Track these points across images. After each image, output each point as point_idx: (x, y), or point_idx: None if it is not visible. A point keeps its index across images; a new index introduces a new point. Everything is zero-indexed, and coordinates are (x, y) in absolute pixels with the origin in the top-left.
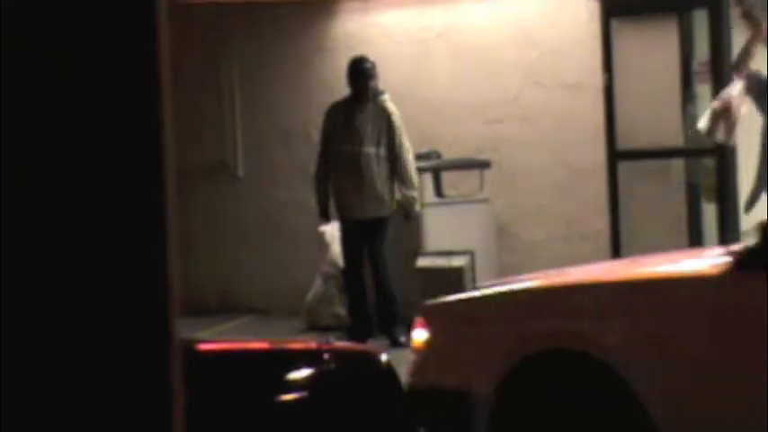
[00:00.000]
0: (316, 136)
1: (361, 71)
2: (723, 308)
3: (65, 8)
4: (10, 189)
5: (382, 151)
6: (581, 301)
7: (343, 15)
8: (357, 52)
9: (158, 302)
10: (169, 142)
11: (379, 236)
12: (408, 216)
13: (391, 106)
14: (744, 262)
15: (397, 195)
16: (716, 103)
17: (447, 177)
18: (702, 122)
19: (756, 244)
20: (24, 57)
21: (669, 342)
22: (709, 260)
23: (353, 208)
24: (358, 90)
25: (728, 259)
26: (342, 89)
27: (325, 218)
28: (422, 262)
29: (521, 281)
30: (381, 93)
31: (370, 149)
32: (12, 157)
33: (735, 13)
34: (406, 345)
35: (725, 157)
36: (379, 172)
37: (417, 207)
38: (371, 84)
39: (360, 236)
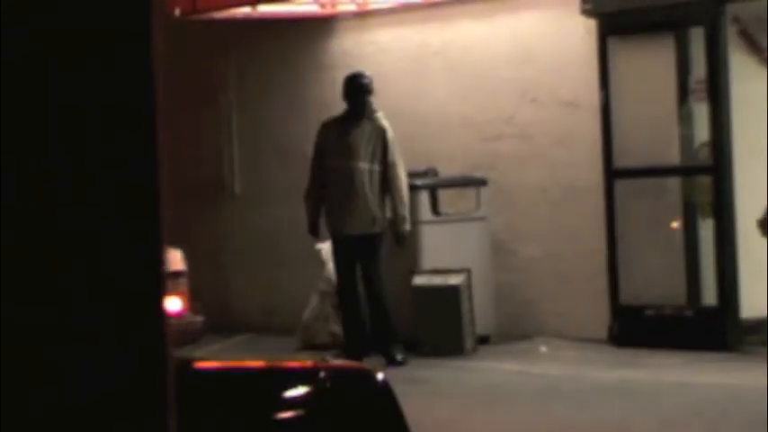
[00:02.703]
0: (311, 153)
1: (359, 86)
2: None
3: (59, 26)
4: (8, 200)
5: (376, 167)
6: None
7: (341, 33)
8: (354, 70)
9: (153, 319)
10: (163, 159)
11: (371, 253)
12: (398, 235)
13: (386, 123)
14: None
15: (389, 214)
16: None
17: (444, 195)
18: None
19: None
20: (17, 80)
21: None
22: None
23: (345, 224)
24: (355, 105)
25: None
26: (339, 107)
27: (314, 233)
28: (418, 280)
29: None
30: (375, 110)
31: (363, 165)
32: (5, 171)
33: (731, 32)
34: (403, 363)
35: (721, 175)
36: (372, 188)
37: (407, 226)
38: (369, 99)
39: (351, 252)
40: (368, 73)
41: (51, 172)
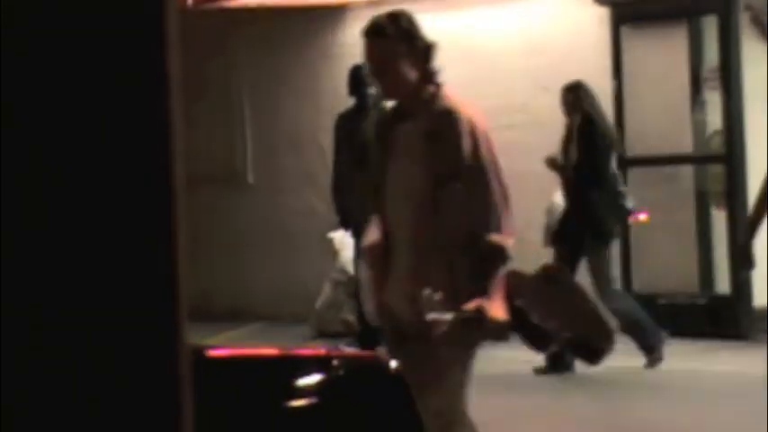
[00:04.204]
0: (324, 143)
1: (358, 79)
2: None
3: (72, 16)
4: (15, 195)
5: None
6: None
7: (352, 22)
8: (356, 62)
9: (167, 308)
10: (178, 149)
11: None
12: None
13: None
14: None
15: None
16: None
17: None
18: None
19: None
20: (30, 67)
21: None
22: None
23: (364, 216)
24: (358, 98)
25: None
26: (347, 97)
27: (346, 226)
28: None
29: None
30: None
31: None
32: (16, 163)
33: (744, 19)
34: None
35: (734, 163)
36: None
37: None
38: (370, 91)
39: None
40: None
41: (62, 167)
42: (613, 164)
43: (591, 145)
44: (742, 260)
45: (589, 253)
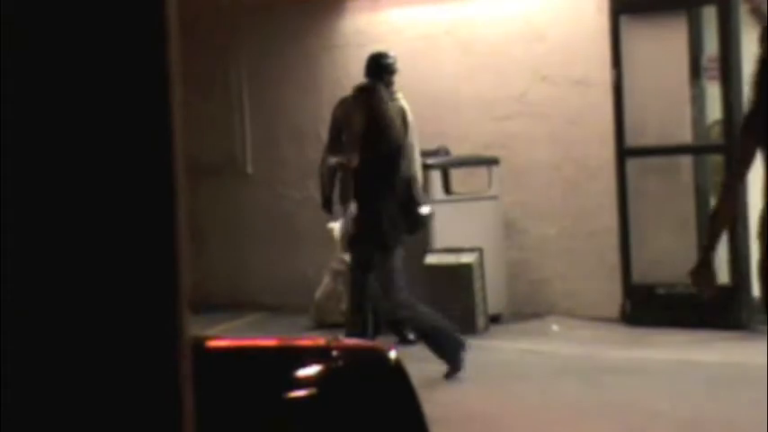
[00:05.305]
0: (325, 133)
1: (384, 66)
2: None
3: (72, 16)
4: (17, 188)
5: None
6: None
7: (352, 13)
8: (366, 49)
9: (168, 299)
10: (178, 140)
11: None
12: None
13: (406, 104)
14: None
15: None
16: None
17: (455, 174)
18: None
19: None
20: (30, 57)
21: None
22: None
23: None
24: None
25: None
26: (351, 86)
27: (328, 208)
28: (430, 259)
29: None
30: (395, 91)
31: None
32: (16, 163)
33: (743, 10)
34: (416, 342)
35: (733, 153)
36: None
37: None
38: (392, 80)
39: None
40: (391, 53)
41: (62, 166)
42: (413, 168)
43: (375, 148)
44: (703, 282)
45: (376, 260)
